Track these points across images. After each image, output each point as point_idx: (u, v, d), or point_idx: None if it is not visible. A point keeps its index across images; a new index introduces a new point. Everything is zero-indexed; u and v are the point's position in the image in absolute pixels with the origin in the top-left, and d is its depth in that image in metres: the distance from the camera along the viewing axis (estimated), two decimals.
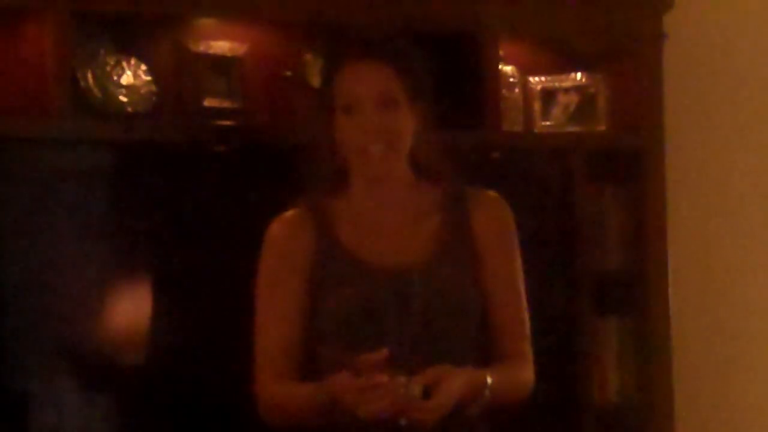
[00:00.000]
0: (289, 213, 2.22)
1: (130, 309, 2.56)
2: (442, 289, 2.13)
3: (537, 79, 3.07)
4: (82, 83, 2.56)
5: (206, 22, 2.72)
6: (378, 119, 2.11)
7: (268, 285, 2.18)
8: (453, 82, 2.79)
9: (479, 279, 2.19)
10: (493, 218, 2.21)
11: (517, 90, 3.03)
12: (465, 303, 2.16)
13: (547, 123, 3.07)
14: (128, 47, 2.66)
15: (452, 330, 2.14)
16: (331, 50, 2.27)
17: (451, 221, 2.18)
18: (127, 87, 2.62)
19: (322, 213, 2.20)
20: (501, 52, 2.93)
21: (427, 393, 1.99)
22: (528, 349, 2.23)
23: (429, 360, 2.06)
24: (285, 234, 2.20)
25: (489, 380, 2.08)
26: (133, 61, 2.64)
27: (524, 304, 2.24)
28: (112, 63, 2.62)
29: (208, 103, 2.68)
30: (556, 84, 3.07)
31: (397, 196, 2.19)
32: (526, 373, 2.22)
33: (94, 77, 2.58)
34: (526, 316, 2.24)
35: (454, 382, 2.01)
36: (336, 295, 2.13)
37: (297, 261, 2.17)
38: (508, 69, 3.01)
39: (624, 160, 3.07)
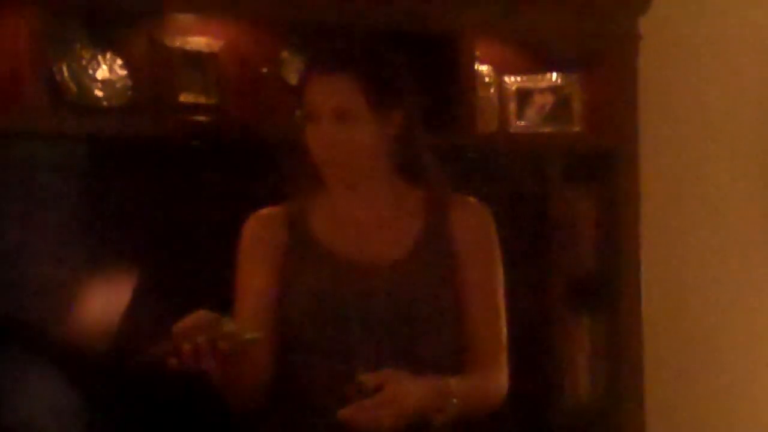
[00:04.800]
0: (265, 209, 2.23)
1: (105, 302, 2.54)
2: (411, 289, 2.13)
3: (512, 79, 3.08)
4: (58, 77, 2.55)
5: (183, 18, 2.71)
6: (334, 131, 2.13)
7: (240, 280, 2.20)
8: (428, 81, 2.72)
9: (455, 285, 2.19)
10: (474, 226, 2.22)
11: (492, 90, 3.04)
12: (434, 305, 2.15)
13: (522, 123, 3.08)
14: (104, 41, 2.65)
15: (419, 330, 2.13)
16: (306, 59, 2.32)
17: (430, 225, 2.19)
18: (103, 81, 2.61)
19: (298, 209, 2.21)
20: (476, 52, 2.93)
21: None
22: (503, 360, 2.22)
23: (393, 356, 2.08)
24: (258, 230, 2.22)
25: (454, 389, 2.07)
26: (108, 56, 2.63)
27: (502, 314, 2.23)
28: (87, 57, 2.60)
29: (183, 98, 2.67)
30: (532, 84, 3.08)
31: (374, 197, 2.20)
32: (498, 384, 2.21)
33: (70, 71, 2.57)
34: (503, 325, 2.23)
35: (407, 387, 2.00)
36: (302, 284, 2.14)
37: (268, 255, 2.18)
38: (483, 69, 3.02)
39: (598, 161, 3.09)
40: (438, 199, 2.22)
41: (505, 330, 2.23)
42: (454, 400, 2.06)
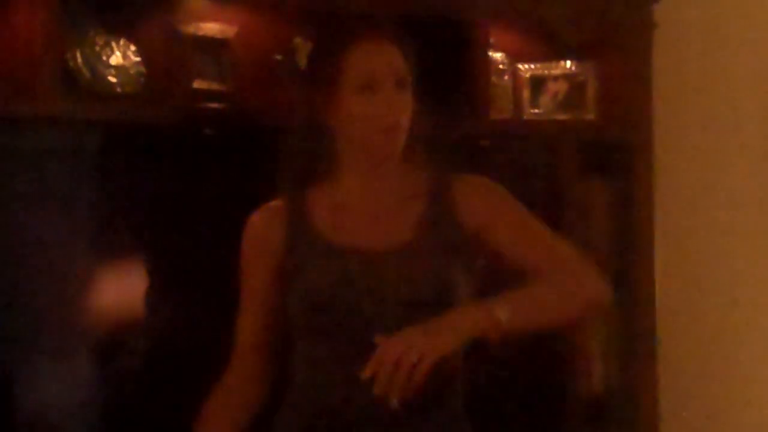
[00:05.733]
0: (265, 205, 2.21)
1: (117, 288, 2.57)
2: (418, 273, 2.08)
3: (526, 66, 3.08)
4: (71, 63, 2.55)
5: (196, 4, 2.71)
6: (398, 98, 2.08)
7: (244, 281, 2.20)
8: (443, 68, 2.76)
9: (486, 249, 2.13)
10: (480, 195, 2.16)
11: (506, 77, 3.04)
12: (442, 287, 2.09)
13: (536, 111, 3.08)
14: (118, 28, 2.65)
15: (428, 314, 2.04)
16: (333, 30, 2.18)
17: (434, 207, 2.15)
18: (116, 67, 2.62)
19: (299, 201, 2.18)
20: (491, 39, 2.95)
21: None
22: (572, 262, 2.10)
23: None
24: (257, 227, 2.20)
25: (494, 305, 1.98)
26: (122, 42, 2.64)
27: (544, 232, 2.14)
28: (101, 43, 2.61)
29: (197, 85, 2.68)
30: (546, 72, 3.09)
31: (384, 180, 2.16)
32: (565, 288, 2.07)
33: (84, 57, 2.57)
34: (553, 241, 2.13)
35: (418, 333, 1.93)
36: (305, 279, 2.12)
37: (267, 252, 2.17)
38: (497, 56, 3.02)
39: (612, 149, 3.09)
40: (440, 180, 2.18)
41: (566, 247, 2.13)
42: (499, 315, 1.97)
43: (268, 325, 2.18)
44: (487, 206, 2.14)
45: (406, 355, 1.89)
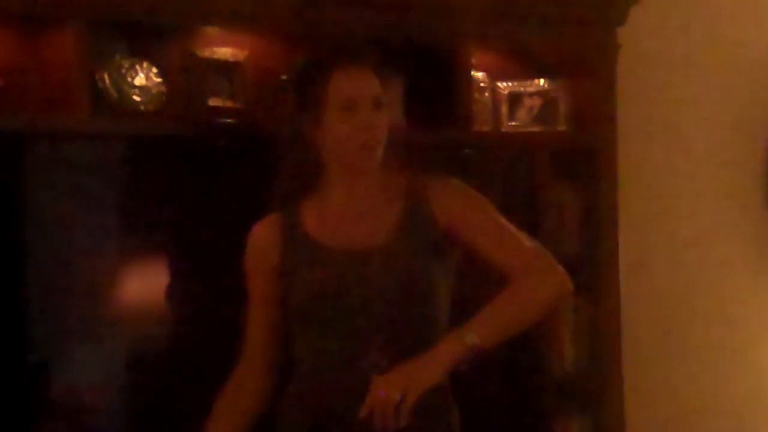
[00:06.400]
0: (264, 218, 2.26)
1: (141, 282, 2.61)
2: (400, 268, 2.14)
3: (505, 84, 3.16)
4: (100, 84, 2.61)
5: (211, 31, 2.77)
6: (373, 118, 2.15)
7: (248, 280, 2.27)
8: (430, 86, 2.88)
9: (458, 245, 2.19)
10: (451, 194, 2.20)
11: (486, 94, 3.12)
12: (423, 281, 2.15)
13: (514, 123, 3.16)
14: (141, 52, 2.70)
15: (413, 306, 2.15)
16: (321, 55, 2.22)
17: (412, 207, 2.19)
18: (140, 87, 2.67)
19: (293, 211, 2.23)
20: (473, 60, 3.02)
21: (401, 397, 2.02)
22: (532, 259, 2.14)
23: (392, 333, 2.12)
24: (255, 238, 2.26)
25: (465, 332, 2.04)
26: (145, 65, 2.69)
27: (512, 231, 2.17)
28: (126, 66, 2.66)
29: (212, 102, 2.73)
30: (522, 89, 3.15)
31: (366, 187, 2.21)
32: (534, 288, 2.12)
33: (111, 79, 2.63)
34: (521, 238, 2.16)
35: (424, 373, 2.02)
36: (300, 280, 2.17)
37: (267, 257, 2.22)
38: (479, 75, 3.10)
39: (581, 157, 3.16)
40: (416, 182, 2.21)
41: (526, 241, 2.16)
42: (471, 341, 2.04)
43: (271, 319, 2.25)
44: (456, 204, 2.19)
45: (392, 395, 1.98)
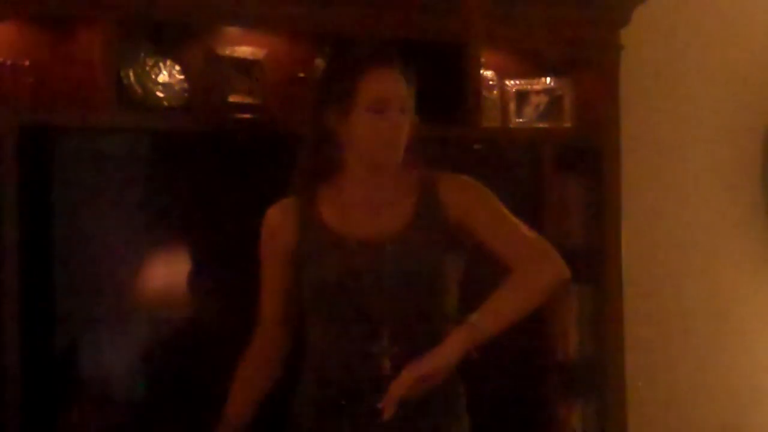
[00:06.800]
0: (281, 201, 2.28)
1: (164, 270, 2.63)
2: (411, 258, 2.18)
3: (512, 82, 3.21)
4: (126, 81, 2.67)
5: (232, 30, 2.82)
6: (400, 120, 2.19)
7: (263, 271, 2.30)
8: (442, 84, 2.90)
9: (468, 238, 2.23)
10: (461, 190, 2.25)
11: (495, 91, 3.17)
12: (433, 271, 2.19)
13: (521, 120, 3.21)
14: (165, 50, 2.75)
15: (423, 295, 2.19)
16: (348, 56, 2.23)
17: (424, 200, 2.23)
18: (164, 84, 2.72)
19: (310, 198, 2.25)
20: (482, 59, 3.05)
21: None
22: (532, 249, 2.18)
23: (403, 320, 2.16)
24: (272, 220, 2.28)
25: (476, 320, 2.10)
26: (168, 62, 2.74)
27: (515, 223, 2.21)
28: (151, 64, 2.72)
29: (232, 99, 2.78)
30: (529, 87, 3.20)
31: (382, 180, 2.24)
32: (535, 277, 2.17)
33: (136, 76, 2.69)
34: (524, 231, 2.20)
35: (416, 372, 2.08)
36: (315, 265, 2.20)
37: (281, 240, 2.25)
38: (488, 73, 3.15)
39: (585, 152, 3.18)
40: (428, 177, 2.25)
41: (527, 232, 2.20)
42: (483, 328, 2.11)
43: (283, 302, 2.28)
44: (466, 199, 2.24)
45: (414, 386, 2.07)
